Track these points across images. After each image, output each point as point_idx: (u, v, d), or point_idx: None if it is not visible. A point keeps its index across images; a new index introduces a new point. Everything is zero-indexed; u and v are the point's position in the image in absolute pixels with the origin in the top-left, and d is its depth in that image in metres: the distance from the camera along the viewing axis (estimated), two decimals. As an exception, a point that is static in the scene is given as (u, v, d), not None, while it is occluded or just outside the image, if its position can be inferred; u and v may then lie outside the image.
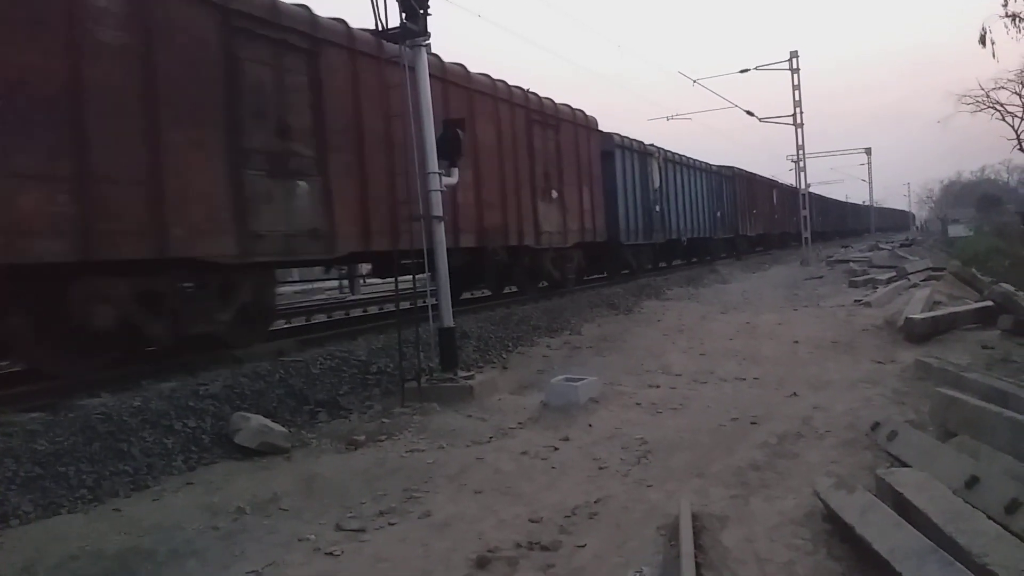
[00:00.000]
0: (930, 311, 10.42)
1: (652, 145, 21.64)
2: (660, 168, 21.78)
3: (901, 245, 33.29)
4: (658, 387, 7.82)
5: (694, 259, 28.08)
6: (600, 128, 18.05)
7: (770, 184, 39.83)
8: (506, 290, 15.70)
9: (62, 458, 5.17)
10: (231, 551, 4.09)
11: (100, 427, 5.59)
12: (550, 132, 15.32)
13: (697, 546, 3.67)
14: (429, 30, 8.37)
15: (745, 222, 32.74)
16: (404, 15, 8.14)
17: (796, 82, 29.88)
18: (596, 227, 17.14)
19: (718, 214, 28.33)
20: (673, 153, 23.63)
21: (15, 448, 5.11)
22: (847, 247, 40.79)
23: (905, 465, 4.50)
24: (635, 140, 20.59)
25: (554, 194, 15.13)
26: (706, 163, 27.56)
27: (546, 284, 15.98)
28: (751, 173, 34.87)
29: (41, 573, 3.91)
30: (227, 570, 3.86)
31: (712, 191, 27.86)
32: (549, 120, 15.36)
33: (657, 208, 21.37)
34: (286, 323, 14.31)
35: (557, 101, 16.08)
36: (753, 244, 36.60)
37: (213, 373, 7.23)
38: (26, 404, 6.44)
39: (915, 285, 15.07)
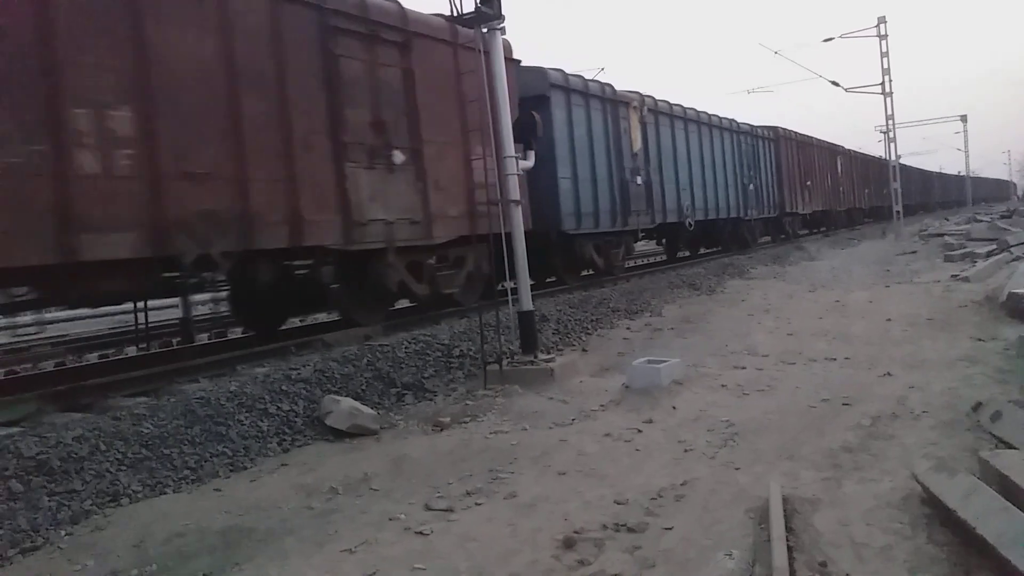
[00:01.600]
0: (1035, 285, 9.86)
1: (630, 91, 15.69)
2: (643, 123, 15.70)
3: (1001, 216, 31.53)
4: (744, 368, 7.66)
5: (714, 249, 21.91)
6: (520, 59, 11.77)
7: (831, 150, 33.08)
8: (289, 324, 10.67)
9: (166, 440, 5.45)
10: (325, 530, 4.23)
11: (200, 411, 5.86)
12: (388, 53, 9.17)
13: (788, 529, 3.60)
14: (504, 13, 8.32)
15: (795, 197, 26.56)
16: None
17: (884, 49, 28.64)
18: (510, 209, 11.50)
19: (751, 187, 22.23)
20: (668, 104, 17.46)
21: (124, 431, 5.41)
22: (948, 219, 38.46)
23: (1011, 447, 4.29)
24: (594, 81, 14.79)
25: (398, 157, 9.17)
26: (729, 120, 21.47)
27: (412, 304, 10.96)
28: (804, 135, 28.63)
29: (150, 548, 4.13)
30: (322, 548, 4.00)
31: (741, 157, 21.71)
32: (383, 33, 9.08)
33: (639, 180, 15.23)
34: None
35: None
36: (809, 225, 30.72)
37: (304, 358, 7.47)
38: (132, 389, 6.81)
39: (1018, 258, 14.28)
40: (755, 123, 23.91)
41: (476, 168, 9.97)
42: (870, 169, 40.60)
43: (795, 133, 27.72)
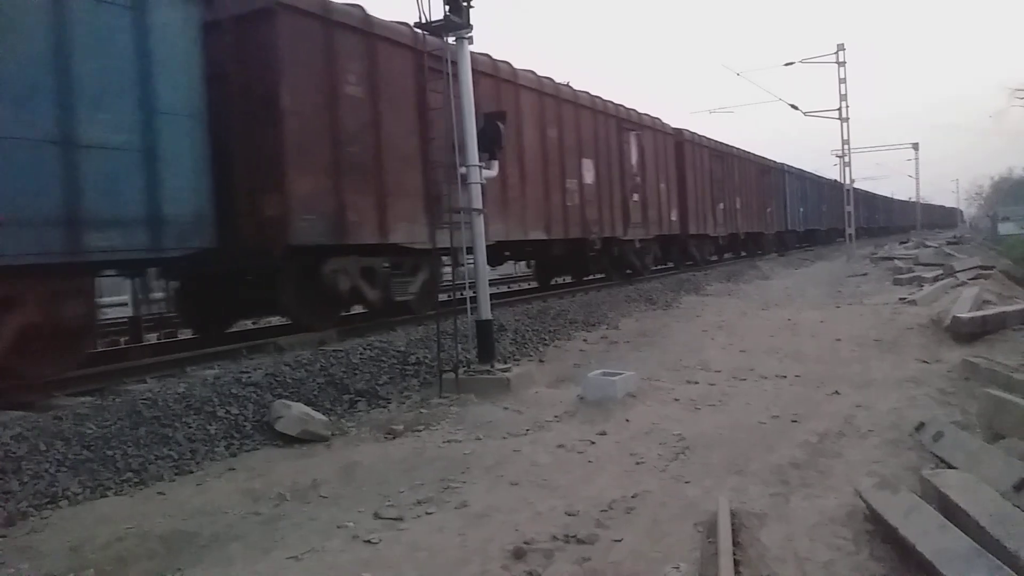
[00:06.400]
0: (978, 310, 10.15)
1: None
2: None
3: (948, 243, 32.44)
4: (697, 383, 7.75)
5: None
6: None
7: (612, 118, 16.20)
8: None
9: (109, 441, 5.31)
10: (272, 536, 4.16)
11: (146, 412, 5.73)
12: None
13: (735, 543, 3.64)
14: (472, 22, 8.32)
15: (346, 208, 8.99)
16: (448, 7, 8.12)
17: (842, 75, 29.39)
18: None
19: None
20: None
21: (65, 431, 5.26)
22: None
23: (951, 467, 4.40)
24: None
25: None
26: None
27: None
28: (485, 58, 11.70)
29: (89, 553, 4.01)
30: (268, 555, 3.92)
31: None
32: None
33: None
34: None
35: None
36: (549, 272, 17.53)
37: (255, 361, 7.35)
38: (76, 388, 6.63)
39: (963, 283, 14.70)
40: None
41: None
42: (738, 172, 25.44)
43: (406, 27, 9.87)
